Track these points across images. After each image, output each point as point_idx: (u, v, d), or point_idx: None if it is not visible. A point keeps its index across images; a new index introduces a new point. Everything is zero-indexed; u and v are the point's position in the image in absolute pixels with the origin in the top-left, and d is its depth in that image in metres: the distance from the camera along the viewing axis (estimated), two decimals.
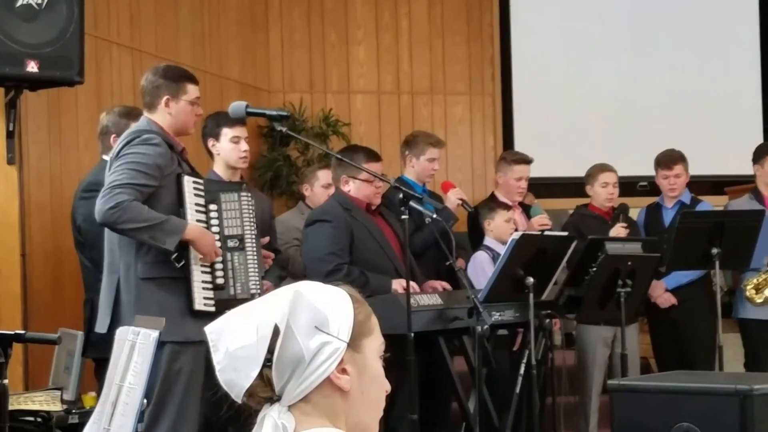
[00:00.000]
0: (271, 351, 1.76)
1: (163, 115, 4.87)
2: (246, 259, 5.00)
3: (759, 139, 9.24)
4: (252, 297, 4.83)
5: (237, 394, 1.81)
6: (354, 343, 1.82)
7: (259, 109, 5.47)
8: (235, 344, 1.79)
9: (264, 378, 1.77)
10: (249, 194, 5.17)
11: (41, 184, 6.51)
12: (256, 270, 5.07)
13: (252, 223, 5.09)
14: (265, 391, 1.79)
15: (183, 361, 4.61)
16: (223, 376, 1.80)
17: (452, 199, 6.47)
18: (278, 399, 1.80)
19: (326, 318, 1.80)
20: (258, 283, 5.07)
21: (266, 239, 5.46)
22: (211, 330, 1.86)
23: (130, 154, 4.65)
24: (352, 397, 1.84)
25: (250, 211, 5.13)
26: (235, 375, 1.80)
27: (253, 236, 5.09)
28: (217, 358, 1.81)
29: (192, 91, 4.95)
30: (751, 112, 10.16)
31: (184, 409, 4.64)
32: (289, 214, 7.10)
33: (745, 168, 7.46)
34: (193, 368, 4.72)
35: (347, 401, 1.85)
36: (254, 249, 5.09)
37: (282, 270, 5.99)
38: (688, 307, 6.90)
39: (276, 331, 1.76)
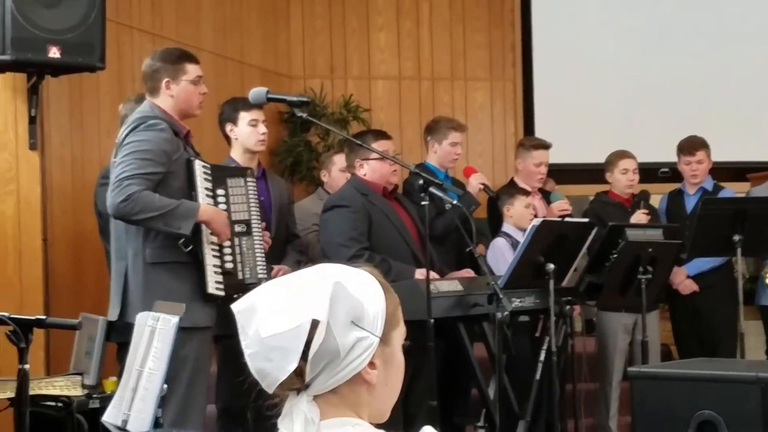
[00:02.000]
0: (307, 344, 1.76)
1: (166, 99, 4.87)
2: (253, 243, 5.04)
3: None
4: (259, 282, 4.84)
5: (269, 384, 1.80)
6: (384, 336, 1.83)
7: (280, 94, 5.47)
8: (267, 331, 1.76)
9: (296, 369, 1.76)
10: (254, 179, 5.20)
11: (63, 169, 6.53)
12: (263, 254, 5.10)
13: (257, 209, 5.12)
14: (294, 382, 1.78)
15: (189, 348, 4.57)
16: (254, 363, 1.78)
17: (474, 183, 6.46)
18: (305, 388, 1.80)
19: (363, 313, 1.80)
20: (265, 267, 5.09)
21: (263, 224, 5.43)
22: (239, 309, 1.83)
23: (136, 141, 4.65)
24: (378, 389, 1.85)
25: (256, 197, 5.16)
26: (269, 365, 1.78)
27: (259, 221, 5.13)
28: (246, 342, 1.79)
29: (192, 70, 4.94)
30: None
31: (191, 396, 4.64)
32: (308, 200, 7.11)
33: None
34: (199, 355, 4.73)
35: (372, 393, 1.86)
36: (260, 234, 5.13)
37: (300, 255, 6.00)
38: (709, 294, 6.87)
39: (314, 325, 1.76)
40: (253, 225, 5.06)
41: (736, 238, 6.26)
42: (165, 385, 3.41)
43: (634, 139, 7.68)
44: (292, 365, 1.77)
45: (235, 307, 1.87)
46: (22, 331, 3.21)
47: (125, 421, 3.48)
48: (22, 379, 3.24)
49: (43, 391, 4.54)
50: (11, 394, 3.51)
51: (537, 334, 6.11)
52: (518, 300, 5.63)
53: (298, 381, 1.78)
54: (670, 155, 7.40)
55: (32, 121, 6.09)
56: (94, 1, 5.83)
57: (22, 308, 5.76)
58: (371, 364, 1.80)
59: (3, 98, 6.12)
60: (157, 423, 3.51)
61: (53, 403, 4.37)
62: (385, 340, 1.83)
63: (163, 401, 4.40)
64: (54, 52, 5.72)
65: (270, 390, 1.80)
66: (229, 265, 4.85)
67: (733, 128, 9.12)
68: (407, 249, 5.81)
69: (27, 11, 5.64)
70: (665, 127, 8.19)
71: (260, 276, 4.97)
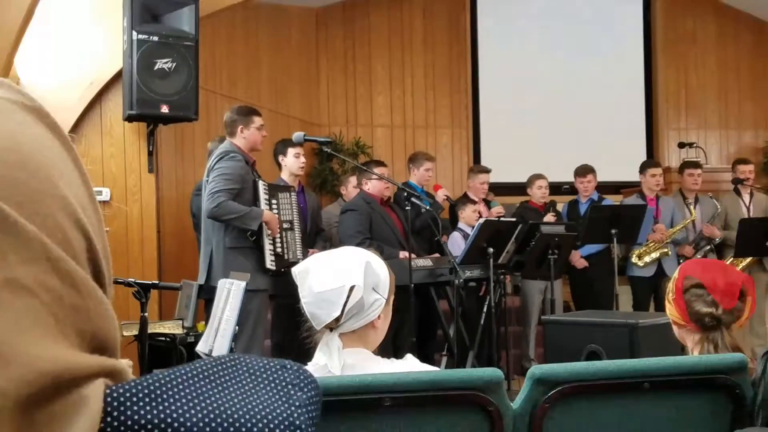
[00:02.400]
0: (345, 300, 1.82)
1: (240, 139, 4.89)
2: (295, 236, 5.04)
3: (643, 157, 9.25)
4: (298, 261, 4.89)
5: (317, 324, 1.87)
6: (387, 299, 1.93)
7: (313, 137, 5.49)
8: (318, 287, 1.84)
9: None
10: (296, 194, 5.24)
11: (170, 185, 6.56)
12: (301, 243, 5.10)
13: (298, 213, 5.14)
14: (331, 323, 1.85)
15: (253, 304, 4.56)
16: (308, 309, 1.87)
17: (440, 195, 6.50)
18: (336, 328, 1.85)
19: (379, 282, 1.91)
20: (302, 251, 5.09)
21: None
22: (298, 271, 1.92)
23: (222, 168, 4.68)
24: (378, 331, 1.95)
25: (297, 205, 5.19)
26: (319, 311, 1.85)
27: (299, 221, 5.14)
28: (303, 294, 1.88)
29: (257, 120, 4.96)
30: (638, 140, 10.19)
31: (254, 335, 4.66)
32: (331, 207, 7.14)
33: (634, 176, 7.45)
34: (260, 308, 4.75)
35: (375, 334, 1.93)
36: (299, 229, 5.13)
37: (324, 242, 6.02)
38: (595, 268, 6.91)
39: (352, 288, 1.82)
40: (295, 224, 5.08)
41: (613, 231, 6.28)
42: (236, 327, 3.43)
43: (546, 165, 7.66)
44: (336, 313, 1.82)
45: (296, 269, 1.94)
46: (143, 291, 3.24)
47: (210, 350, 3.51)
48: (143, 323, 3.27)
49: (158, 330, 4.57)
50: (135, 332, 3.53)
51: (481, 294, 6.13)
52: (469, 272, 5.66)
53: (333, 323, 1.85)
54: (569, 176, 7.43)
55: (150, 154, 6.10)
56: (191, 76, 5.84)
57: (144, 277, 5.78)
58: (378, 317, 1.88)
59: (131, 139, 6.13)
60: (231, 351, 3.54)
61: (163, 339, 4.41)
62: (387, 301, 1.92)
63: (235, 338, 4.44)
64: (164, 109, 5.73)
65: (318, 328, 1.87)
66: (279, 250, 4.86)
67: (612, 158, 9.09)
68: (395, 239, 5.84)
69: (147, 82, 5.65)
70: (566, 157, 8.15)
71: (299, 257, 4.96)
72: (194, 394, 0.61)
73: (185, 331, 4.47)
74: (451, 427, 1.70)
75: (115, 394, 0.55)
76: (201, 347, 3.59)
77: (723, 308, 2.08)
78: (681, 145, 9.76)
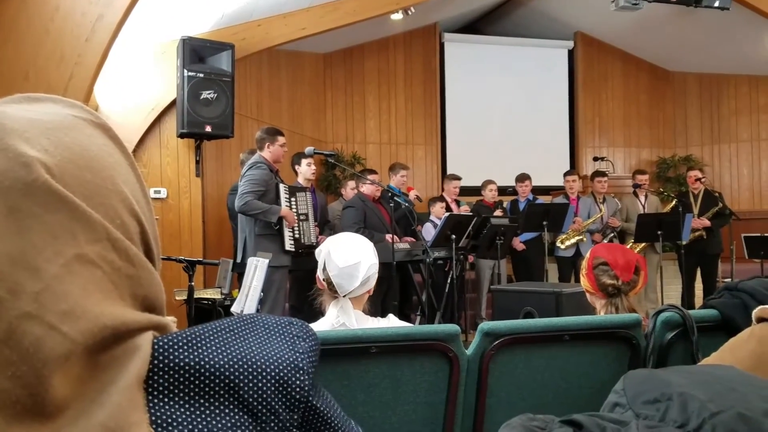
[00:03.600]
0: (364, 273, 1.85)
1: (267, 153, 4.84)
2: (309, 225, 5.00)
3: (567, 167, 9.29)
4: (312, 244, 4.87)
5: (342, 292, 1.86)
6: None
7: (320, 150, 5.45)
8: (342, 263, 1.84)
9: None
10: (311, 193, 5.20)
11: (212, 186, 6.52)
12: (314, 230, 5.08)
13: (312, 207, 5.11)
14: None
15: (275, 276, 4.57)
16: (335, 280, 1.87)
17: (412, 195, 6.47)
18: (348, 294, 1.85)
19: (377, 261, 1.91)
20: (315, 236, 5.07)
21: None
22: (323, 252, 1.90)
23: (251, 174, 4.65)
24: (369, 294, 1.92)
25: (312, 201, 5.16)
26: (343, 281, 1.85)
27: (312, 213, 5.11)
28: (330, 267, 1.87)
29: (281, 139, 4.91)
30: (564, 155, 10.21)
31: (275, 301, 4.64)
32: (334, 204, 7.06)
33: (562, 182, 7.46)
34: (282, 279, 4.73)
35: (366, 296, 1.92)
36: (313, 219, 5.10)
37: (330, 231, 6.00)
38: (531, 250, 6.90)
39: (368, 264, 1.86)
40: (309, 215, 5.05)
41: (545, 223, 6.29)
42: (261, 293, 3.41)
43: (495, 173, 7.68)
44: (356, 284, 1.82)
45: (320, 250, 1.92)
46: (190, 266, 3.21)
47: (242, 311, 3.49)
48: (190, 290, 3.24)
49: (201, 296, 4.54)
50: (185, 297, 3.51)
51: (446, 269, 6.13)
52: (437, 252, 5.64)
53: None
54: (512, 181, 7.43)
55: (197, 162, 6.07)
56: (228, 103, 5.82)
57: (192, 255, 5.74)
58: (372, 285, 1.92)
59: (183, 151, 6.10)
60: (257, 311, 3.52)
61: (206, 302, 4.39)
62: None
63: (261, 302, 4.41)
64: (208, 129, 5.71)
65: (342, 295, 1.87)
66: (297, 235, 4.83)
67: (544, 168, 9.12)
68: (384, 227, 5.80)
69: (195, 108, 5.64)
70: (510, 167, 8.15)
71: (312, 241, 4.95)
72: (222, 343, 0.61)
73: (223, 296, 4.45)
74: (422, 368, 1.70)
75: (161, 343, 0.55)
76: (235, 308, 3.57)
77: (622, 281, 2.09)
78: (595, 159, 9.80)
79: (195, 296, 3.58)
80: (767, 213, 9.26)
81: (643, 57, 10.39)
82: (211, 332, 0.61)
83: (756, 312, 1.00)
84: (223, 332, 0.62)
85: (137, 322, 0.54)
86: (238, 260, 4.72)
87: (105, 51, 3.37)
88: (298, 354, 0.64)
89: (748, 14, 7.76)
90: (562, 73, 10.32)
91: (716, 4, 6.39)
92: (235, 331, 0.63)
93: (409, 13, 7.52)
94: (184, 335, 0.59)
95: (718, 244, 7.02)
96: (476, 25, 10.40)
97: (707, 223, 6.90)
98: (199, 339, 0.60)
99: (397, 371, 1.67)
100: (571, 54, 10.31)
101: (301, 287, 5.36)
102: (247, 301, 3.39)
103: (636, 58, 10.41)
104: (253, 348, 0.62)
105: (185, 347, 0.57)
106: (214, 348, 0.59)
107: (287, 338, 0.66)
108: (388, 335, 1.64)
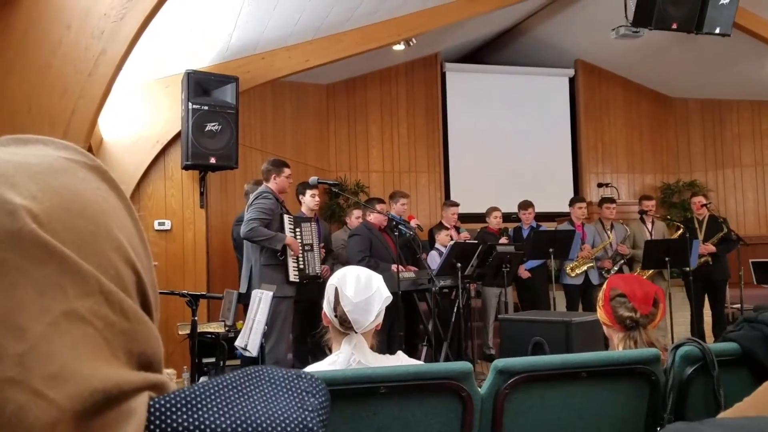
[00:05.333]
0: (379, 307, 1.80)
1: (273, 184, 4.83)
2: (314, 255, 4.96)
3: (571, 194, 9.24)
4: (317, 274, 4.83)
5: (359, 327, 1.79)
6: None
7: (325, 180, 5.44)
8: (357, 298, 1.76)
9: None
10: (315, 223, 5.15)
11: (216, 217, 6.50)
12: (318, 260, 5.03)
13: (316, 237, 5.07)
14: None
15: (281, 307, 4.54)
16: (352, 315, 1.78)
17: (412, 224, 6.42)
18: (360, 328, 1.79)
19: (388, 295, 1.82)
20: (320, 266, 5.02)
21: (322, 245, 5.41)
22: (331, 284, 1.82)
23: (258, 204, 4.65)
24: (377, 329, 1.85)
25: (317, 231, 5.11)
26: (360, 317, 1.77)
27: (317, 244, 5.06)
28: (344, 302, 1.78)
29: (286, 171, 4.91)
30: (567, 181, 10.17)
31: (282, 332, 4.59)
32: (339, 232, 7.02)
33: (565, 208, 7.42)
34: (287, 310, 4.69)
35: (373, 331, 1.85)
36: (318, 250, 5.05)
37: (334, 260, 5.96)
38: (535, 278, 6.82)
39: (381, 299, 1.79)
40: (314, 246, 5.00)
41: (551, 250, 6.23)
42: (266, 326, 3.34)
43: (500, 200, 7.62)
44: (372, 318, 1.75)
45: (332, 281, 1.84)
46: (193, 300, 3.15)
47: (246, 344, 3.41)
48: (193, 325, 3.17)
49: (205, 329, 4.47)
50: (188, 332, 3.44)
51: (452, 298, 6.06)
52: (443, 281, 5.58)
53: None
54: (515, 208, 7.37)
55: (201, 194, 6.05)
56: (232, 135, 5.82)
57: (196, 288, 5.69)
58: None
59: (187, 182, 6.08)
60: (262, 346, 3.45)
61: (210, 336, 4.31)
62: None
63: (265, 335, 4.34)
64: (212, 160, 5.70)
65: (359, 331, 1.78)
66: (301, 266, 4.79)
67: (548, 195, 9.08)
68: (389, 256, 5.76)
69: (199, 140, 5.63)
70: (515, 194, 8.12)
71: (317, 271, 4.92)
72: (224, 403, 0.56)
73: (227, 329, 4.38)
74: (433, 409, 1.63)
75: (157, 405, 0.51)
76: (239, 342, 3.50)
77: (641, 313, 2.02)
78: (599, 185, 9.77)
79: (198, 330, 3.51)
80: None
81: (645, 83, 10.42)
82: (212, 391, 0.56)
83: None
84: (226, 390, 0.57)
85: (132, 383, 0.49)
86: (243, 290, 4.67)
87: (108, 85, 3.37)
88: (307, 413, 0.59)
89: (749, 40, 7.79)
90: (564, 100, 10.34)
91: (717, 31, 6.40)
92: (239, 388, 0.58)
93: (411, 44, 7.57)
94: (183, 395, 0.55)
95: (725, 269, 6.94)
96: (477, 55, 10.46)
97: (713, 248, 6.82)
98: (199, 399, 0.55)
99: (408, 412, 1.59)
100: (572, 82, 10.34)
101: (304, 317, 5.30)
102: (251, 334, 3.32)
103: (637, 84, 10.44)
104: (259, 408, 0.57)
105: (184, 409, 0.53)
106: (215, 409, 0.55)
107: (295, 394, 0.61)
108: (397, 374, 1.57)
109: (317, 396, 0.60)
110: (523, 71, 10.10)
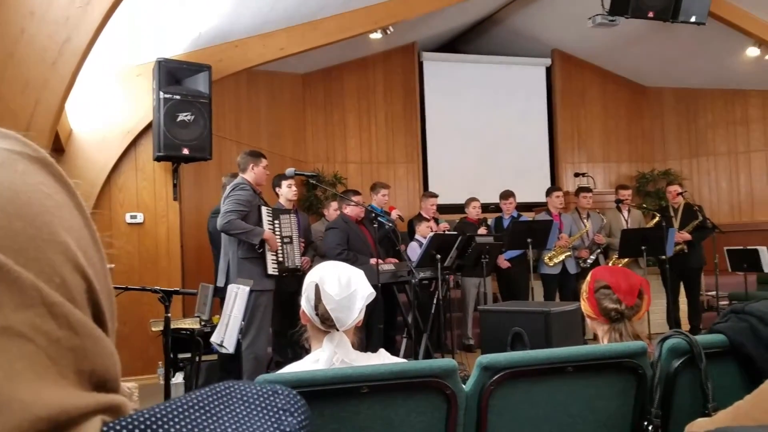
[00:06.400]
0: (362, 305, 1.74)
1: (250, 175, 4.74)
2: (293, 248, 4.88)
3: (549, 184, 9.27)
4: (297, 266, 4.75)
5: (341, 326, 1.73)
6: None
7: (302, 171, 5.35)
8: (338, 295, 1.71)
9: None
10: (294, 215, 5.06)
11: (190, 210, 6.38)
12: (298, 252, 4.94)
13: (296, 229, 4.98)
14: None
15: (261, 300, 4.49)
16: (334, 314, 1.72)
17: (394, 214, 6.38)
18: (342, 326, 1.73)
19: (371, 291, 1.76)
20: (299, 259, 4.94)
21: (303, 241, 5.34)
22: (311, 281, 1.75)
23: (234, 195, 4.57)
24: (358, 326, 1.81)
25: (296, 223, 5.02)
26: (343, 315, 1.72)
27: (297, 236, 4.97)
28: (326, 300, 1.72)
29: (263, 162, 4.82)
30: (544, 171, 10.20)
31: (261, 325, 4.53)
32: (317, 224, 6.95)
33: (542, 198, 7.43)
34: (266, 304, 4.61)
35: (355, 328, 1.81)
36: (297, 242, 4.97)
37: (314, 252, 5.89)
38: (516, 268, 6.81)
39: (364, 295, 1.74)
40: (293, 238, 4.92)
41: (529, 240, 6.23)
42: (242, 323, 3.27)
43: (478, 191, 7.62)
44: (355, 315, 1.70)
45: (310, 278, 1.76)
46: (166, 296, 3.06)
47: (222, 341, 3.33)
48: (166, 321, 3.09)
49: (180, 325, 4.38)
50: (161, 328, 3.35)
51: (432, 290, 6.03)
52: (422, 273, 5.54)
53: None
54: (496, 198, 7.36)
55: (174, 186, 5.93)
56: (205, 125, 5.71)
57: (170, 283, 5.58)
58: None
59: (160, 174, 5.95)
60: (238, 342, 3.37)
61: (185, 332, 4.21)
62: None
63: (245, 329, 4.27)
64: (185, 151, 5.58)
65: (341, 329, 1.73)
66: (280, 259, 4.71)
67: (526, 185, 9.09)
68: (368, 249, 5.71)
69: (171, 130, 5.51)
70: (493, 184, 8.14)
71: (297, 264, 4.85)
72: (189, 427, 0.49)
73: (203, 324, 4.29)
74: (417, 408, 1.58)
75: (112, 431, 0.44)
76: (215, 338, 3.42)
77: (626, 305, 1.99)
78: (576, 175, 9.81)
79: (173, 326, 3.41)
80: (748, 225, 9.32)
81: (620, 73, 10.47)
82: (176, 413, 0.50)
83: None
84: (192, 411, 0.51)
85: (81, 407, 0.43)
86: (221, 284, 4.59)
87: (74, 75, 3.23)
88: None
89: (723, 29, 7.85)
90: (541, 90, 10.35)
91: (693, 20, 6.43)
92: (207, 408, 0.52)
93: (388, 32, 7.48)
94: (142, 419, 0.48)
95: (700, 257, 7.01)
96: (454, 44, 10.42)
97: (688, 236, 6.89)
98: (160, 423, 0.49)
99: (391, 412, 1.54)
100: (548, 71, 10.35)
101: (284, 311, 5.22)
102: (227, 330, 3.24)
103: (613, 74, 10.49)
104: (229, 430, 0.51)
105: None
106: None
107: (271, 413, 0.55)
108: (380, 373, 1.52)
109: (296, 414, 0.55)
110: (500, 60, 10.08)
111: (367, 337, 5.27)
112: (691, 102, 10.31)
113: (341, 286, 1.71)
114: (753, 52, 8.34)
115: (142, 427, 0.47)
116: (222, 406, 0.52)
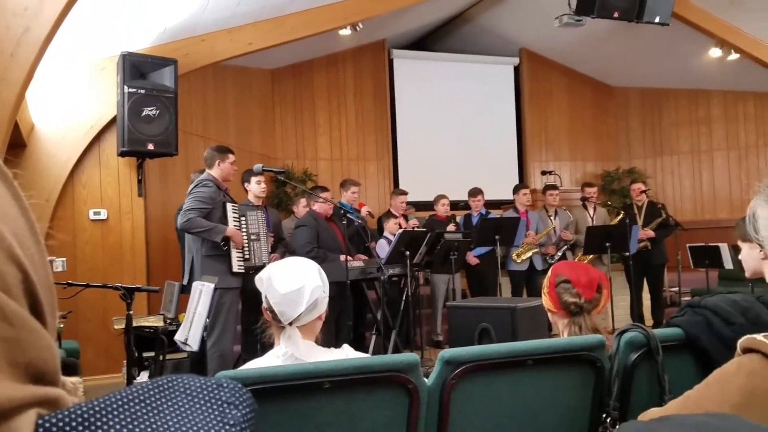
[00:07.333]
0: (308, 298, 1.72)
1: (216, 171, 4.68)
2: (261, 245, 4.84)
3: (516, 181, 9.36)
4: (264, 264, 4.70)
5: (285, 319, 1.73)
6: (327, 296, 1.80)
7: (270, 167, 5.30)
8: (284, 289, 1.70)
9: None
10: (262, 212, 5.02)
11: (155, 206, 6.27)
12: (266, 249, 4.90)
13: (264, 226, 4.94)
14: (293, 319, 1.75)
15: (225, 298, 4.44)
16: (277, 308, 1.73)
17: (364, 211, 6.38)
18: (296, 321, 1.72)
19: (326, 284, 1.78)
20: (268, 256, 4.90)
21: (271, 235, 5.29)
22: (263, 278, 1.76)
23: (197, 192, 4.51)
24: (321, 322, 1.79)
25: (264, 220, 4.97)
26: (286, 308, 1.71)
27: (265, 233, 4.93)
28: (271, 295, 1.73)
29: (231, 157, 4.76)
30: (512, 169, 10.29)
31: (227, 323, 4.48)
32: (287, 221, 6.92)
33: (511, 195, 7.50)
34: (231, 302, 4.56)
35: (320, 323, 1.80)
36: (265, 239, 4.92)
37: (285, 248, 5.85)
38: (484, 265, 6.87)
39: (312, 288, 1.72)
40: (261, 235, 4.87)
41: (497, 237, 6.28)
42: (207, 320, 3.23)
43: (448, 188, 7.64)
44: (301, 309, 1.70)
45: (259, 277, 1.78)
46: (128, 293, 3.01)
47: (186, 339, 3.29)
48: (128, 319, 3.03)
49: (143, 324, 4.31)
50: (123, 325, 3.29)
51: (401, 286, 6.05)
52: (392, 269, 5.56)
53: (295, 318, 1.74)
54: (464, 196, 7.41)
55: (139, 182, 5.84)
56: (171, 120, 5.63)
57: (135, 280, 5.50)
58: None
59: (124, 170, 5.86)
60: (203, 340, 3.33)
61: (148, 330, 4.15)
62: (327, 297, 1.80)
63: (210, 327, 4.22)
64: (150, 146, 5.50)
65: (285, 323, 1.72)
66: (246, 256, 4.66)
67: (494, 182, 9.16)
68: (337, 246, 5.70)
69: (136, 125, 5.43)
70: (462, 181, 8.17)
71: (264, 261, 4.79)
72: (128, 420, 0.49)
73: (168, 322, 4.23)
74: (379, 402, 1.58)
75: (47, 425, 0.44)
76: (179, 336, 3.38)
77: (585, 299, 2.02)
78: (543, 173, 9.93)
79: (136, 324, 3.36)
80: (710, 223, 9.54)
81: (587, 72, 10.62)
82: (115, 406, 0.49)
83: (742, 342, 0.93)
84: (132, 405, 0.50)
85: (15, 399, 0.42)
86: (185, 282, 4.53)
87: (32, 67, 3.15)
88: (228, 427, 0.54)
89: (687, 30, 8.01)
90: (509, 89, 10.44)
91: (657, 20, 6.55)
92: (148, 402, 0.51)
93: (358, 29, 7.46)
94: (80, 412, 0.47)
95: (663, 254, 7.15)
96: (424, 42, 10.44)
97: (651, 234, 7.02)
98: (99, 416, 0.48)
99: (353, 407, 1.54)
100: (517, 70, 10.45)
101: (252, 309, 5.18)
102: (191, 328, 3.19)
103: (579, 73, 10.63)
104: (171, 424, 0.51)
105: (80, 428, 0.45)
106: (117, 428, 0.47)
107: (215, 407, 0.54)
108: (342, 368, 1.51)
109: (240, 407, 0.54)
110: (469, 59, 10.13)
111: (336, 333, 5.27)
112: (655, 101, 10.51)
113: (288, 281, 1.71)
114: (715, 53, 8.52)
115: (80, 420, 0.46)
116: (163, 400, 0.51)
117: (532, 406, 1.76)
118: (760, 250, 1.44)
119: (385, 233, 6.58)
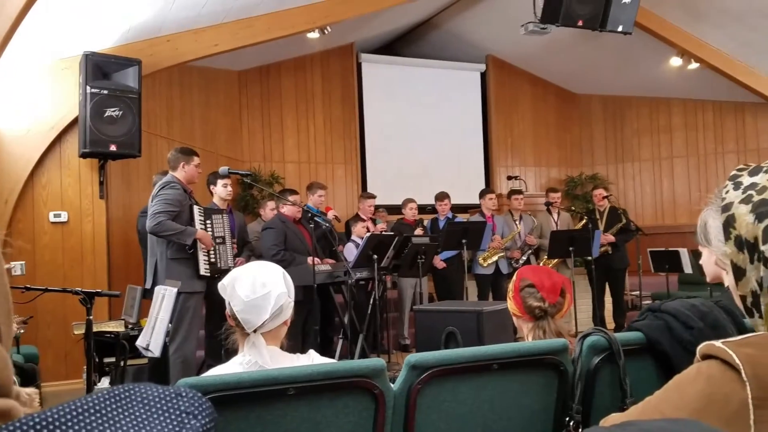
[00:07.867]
0: (273, 305, 1.69)
1: (181, 173, 4.61)
2: (226, 248, 4.78)
3: (483, 186, 9.44)
4: (229, 268, 4.64)
5: (249, 327, 1.69)
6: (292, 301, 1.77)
7: (237, 170, 5.24)
8: (247, 296, 1.66)
9: None
10: (228, 215, 4.96)
11: (117, 208, 6.14)
12: (231, 253, 4.85)
13: (228, 230, 4.88)
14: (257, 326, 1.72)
15: (190, 303, 4.37)
16: (241, 315, 1.69)
17: (330, 215, 6.36)
18: (260, 328, 1.69)
19: (290, 289, 1.74)
20: (233, 260, 4.84)
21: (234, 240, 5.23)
22: (227, 283, 1.73)
23: (163, 194, 4.42)
24: (287, 327, 1.77)
25: (228, 224, 4.91)
26: (250, 316, 1.68)
27: (229, 236, 4.87)
28: (234, 302, 1.70)
29: (196, 159, 4.70)
30: (479, 174, 10.37)
31: (190, 329, 4.40)
32: (253, 224, 6.85)
33: (477, 200, 7.56)
34: (195, 307, 4.49)
35: (285, 329, 1.78)
36: (230, 243, 4.87)
37: (251, 252, 5.79)
38: (451, 268, 6.90)
39: (277, 294, 1.69)
40: (226, 239, 4.81)
41: (464, 241, 6.32)
42: (169, 325, 3.16)
43: (416, 192, 7.68)
44: (266, 316, 1.67)
45: (222, 284, 1.75)
46: (88, 298, 2.94)
47: (147, 344, 3.22)
48: (88, 324, 2.96)
49: (104, 329, 4.21)
50: (83, 331, 3.21)
51: (369, 290, 6.03)
52: (359, 273, 5.54)
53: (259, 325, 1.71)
54: (432, 200, 7.44)
55: (101, 183, 5.72)
56: (134, 121, 5.53)
57: (95, 284, 5.38)
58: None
59: (85, 172, 5.73)
60: (165, 345, 3.27)
61: (109, 335, 4.05)
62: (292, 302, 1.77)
63: (172, 332, 4.14)
64: (112, 148, 5.39)
65: (249, 331, 1.69)
66: (212, 260, 4.60)
67: (461, 187, 9.23)
68: (305, 249, 5.65)
69: (98, 126, 5.32)
70: (429, 186, 8.22)
71: (230, 265, 4.73)
72: (84, 430, 0.47)
73: (129, 327, 4.14)
74: (345, 408, 1.56)
75: None
76: (140, 341, 3.30)
77: (549, 303, 2.04)
78: (509, 178, 10.03)
79: (97, 329, 3.28)
80: (670, 228, 9.76)
81: (551, 80, 10.79)
82: (70, 416, 0.48)
83: (701, 349, 0.94)
84: (87, 415, 0.48)
85: None
86: (149, 286, 4.44)
87: None
88: None
89: (649, 39, 8.19)
90: (476, 95, 10.54)
91: (620, 29, 6.68)
92: (103, 412, 0.49)
93: (326, 32, 7.44)
94: (32, 423, 0.46)
95: (624, 258, 7.29)
96: (392, 47, 10.47)
97: (612, 238, 7.15)
98: (52, 428, 0.46)
99: (318, 414, 1.52)
100: (483, 76, 10.55)
101: (218, 314, 5.11)
102: (153, 333, 3.13)
103: (544, 81, 10.79)
104: None
105: None
106: None
107: (173, 416, 0.53)
108: (306, 374, 1.50)
109: (200, 416, 0.53)
110: (436, 65, 10.20)
111: (303, 338, 5.22)
112: (617, 109, 10.72)
113: (253, 288, 1.69)
114: (676, 62, 8.73)
115: (34, 430, 0.45)
116: (120, 410, 0.50)
117: (497, 410, 1.77)
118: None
119: (353, 237, 6.57)
